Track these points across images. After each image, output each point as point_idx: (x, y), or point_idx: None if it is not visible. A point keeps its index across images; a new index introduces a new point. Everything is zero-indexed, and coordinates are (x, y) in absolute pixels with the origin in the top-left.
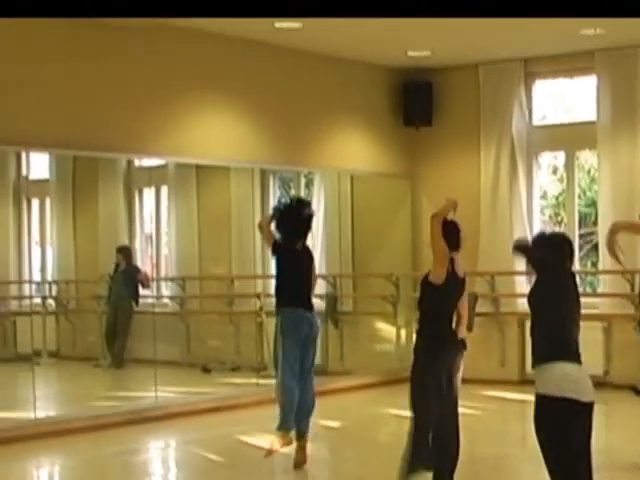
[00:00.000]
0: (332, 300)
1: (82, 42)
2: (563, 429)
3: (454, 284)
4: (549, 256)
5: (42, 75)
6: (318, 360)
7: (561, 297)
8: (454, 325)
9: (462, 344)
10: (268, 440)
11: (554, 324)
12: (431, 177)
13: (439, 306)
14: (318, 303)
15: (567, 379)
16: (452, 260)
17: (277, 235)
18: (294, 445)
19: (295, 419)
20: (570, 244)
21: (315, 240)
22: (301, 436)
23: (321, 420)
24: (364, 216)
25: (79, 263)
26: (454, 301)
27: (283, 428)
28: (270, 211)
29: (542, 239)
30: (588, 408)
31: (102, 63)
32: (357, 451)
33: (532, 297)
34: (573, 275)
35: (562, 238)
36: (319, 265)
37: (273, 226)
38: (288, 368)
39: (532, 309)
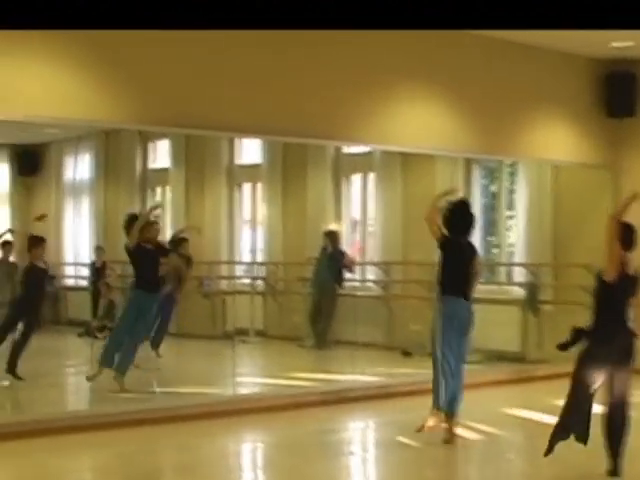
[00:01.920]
0: (533, 289)
1: (288, 37)
2: None
3: (626, 282)
4: None
5: (253, 65)
6: (517, 347)
7: None
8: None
9: (633, 335)
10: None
11: None
12: (633, 168)
13: (611, 302)
14: (518, 291)
15: None
16: (624, 260)
17: (445, 229)
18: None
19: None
20: None
21: (517, 228)
22: (450, 417)
23: (513, 408)
24: (565, 206)
25: (287, 245)
26: (626, 297)
27: (435, 406)
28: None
29: None
30: None
31: (320, 54)
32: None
33: None
34: None
35: None
36: (521, 253)
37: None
38: (448, 351)
39: None
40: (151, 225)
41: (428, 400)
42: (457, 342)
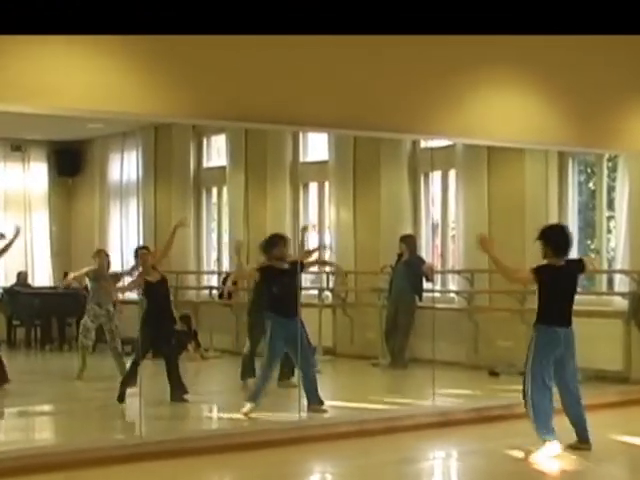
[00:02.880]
0: (637, 299)
1: None
2: None
3: None
4: None
5: (317, 51)
6: (620, 366)
7: None
8: None
9: None
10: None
11: None
12: None
13: None
14: (620, 302)
15: None
16: None
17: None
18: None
19: (576, 431)
20: None
21: (618, 231)
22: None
23: (616, 434)
24: None
25: (359, 252)
26: None
27: (544, 439)
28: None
29: None
30: None
31: (383, 39)
32: None
33: None
34: None
35: None
36: (623, 259)
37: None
38: (538, 385)
39: None
40: (286, 241)
41: (518, 425)
42: (562, 371)
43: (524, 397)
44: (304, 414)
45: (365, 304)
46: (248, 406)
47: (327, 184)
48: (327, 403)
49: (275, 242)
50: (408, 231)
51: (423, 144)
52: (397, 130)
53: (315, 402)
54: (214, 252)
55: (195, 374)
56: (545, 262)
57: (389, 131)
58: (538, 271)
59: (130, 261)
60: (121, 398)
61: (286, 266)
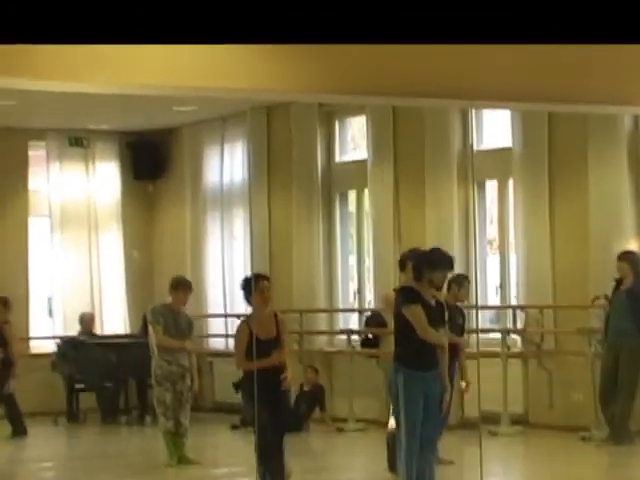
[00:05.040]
0: None
1: None
2: None
3: None
4: None
5: None
6: None
7: None
8: None
9: None
10: None
11: None
12: None
13: None
14: None
15: None
16: None
17: None
18: None
19: None
20: None
21: None
22: None
23: None
24: None
25: (558, 278)
26: None
27: None
28: None
29: None
30: None
31: None
32: None
33: None
34: None
35: None
36: None
37: None
38: None
39: None
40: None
41: None
42: None
43: None
44: None
45: (569, 352)
46: None
47: (511, 182)
48: None
49: (441, 261)
50: (631, 246)
51: None
52: (611, 102)
53: None
54: (353, 282)
55: (326, 451)
56: None
57: (599, 103)
58: None
59: (235, 297)
60: None
61: (433, 303)
